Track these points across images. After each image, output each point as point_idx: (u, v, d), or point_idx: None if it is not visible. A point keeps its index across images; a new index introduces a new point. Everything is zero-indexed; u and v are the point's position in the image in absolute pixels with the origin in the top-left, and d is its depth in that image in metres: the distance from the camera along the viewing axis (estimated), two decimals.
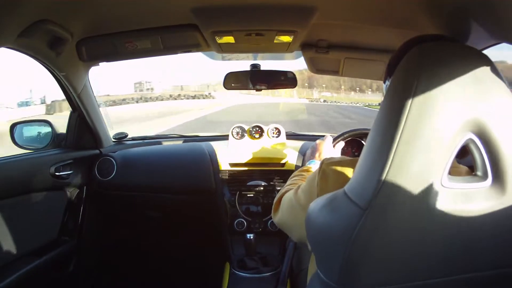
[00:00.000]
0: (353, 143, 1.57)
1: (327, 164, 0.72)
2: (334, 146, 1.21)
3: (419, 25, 0.99)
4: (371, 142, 0.53)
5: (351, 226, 0.51)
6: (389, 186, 0.48)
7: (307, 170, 1.02)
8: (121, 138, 1.96)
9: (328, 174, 0.71)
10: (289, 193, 0.85)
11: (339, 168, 0.70)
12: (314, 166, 1.05)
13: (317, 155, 1.14)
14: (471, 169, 0.61)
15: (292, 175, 1.02)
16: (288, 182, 0.98)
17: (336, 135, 1.50)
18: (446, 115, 0.47)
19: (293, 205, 0.81)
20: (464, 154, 0.54)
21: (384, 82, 0.75)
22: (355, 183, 0.54)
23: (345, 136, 1.47)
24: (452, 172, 0.51)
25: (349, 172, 0.69)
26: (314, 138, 1.98)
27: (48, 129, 1.61)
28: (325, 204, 0.58)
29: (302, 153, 1.77)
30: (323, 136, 1.27)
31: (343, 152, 1.52)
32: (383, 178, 0.48)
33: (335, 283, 0.54)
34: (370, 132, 0.55)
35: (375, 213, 0.50)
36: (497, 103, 0.48)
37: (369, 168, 0.51)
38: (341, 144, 1.28)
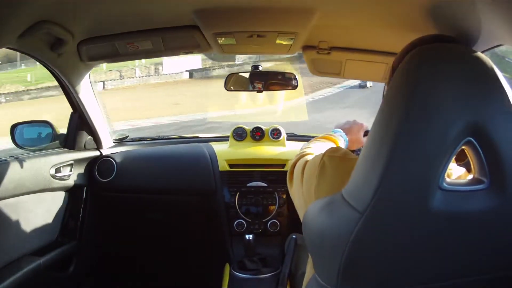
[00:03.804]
0: None
1: (328, 156, 0.71)
2: (364, 135, 1.20)
3: (420, 26, 0.99)
4: (370, 144, 0.53)
5: (349, 229, 0.51)
6: (387, 189, 0.48)
7: (329, 138, 1.01)
8: (121, 139, 1.96)
9: (327, 169, 0.70)
10: (301, 163, 0.83)
11: (338, 166, 0.69)
12: (337, 135, 1.05)
13: (346, 127, 1.13)
14: (468, 170, 0.61)
15: (313, 139, 1.01)
16: (307, 144, 0.98)
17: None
18: (445, 118, 0.47)
19: (298, 183, 0.80)
20: (463, 158, 0.54)
21: (388, 85, 0.75)
22: (353, 186, 0.54)
23: None
24: (451, 174, 0.51)
25: (348, 172, 0.68)
26: None
27: (49, 130, 1.62)
28: (323, 208, 0.58)
29: None
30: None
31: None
32: (381, 181, 0.48)
33: (332, 287, 0.54)
34: (369, 134, 0.55)
35: (373, 217, 0.50)
36: (496, 106, 0.48)
37: (367, 171, 0.51)
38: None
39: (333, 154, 0.72)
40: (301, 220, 0.80)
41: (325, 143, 0.99)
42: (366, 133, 1.21)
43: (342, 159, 0.71)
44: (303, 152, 0.92)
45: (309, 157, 0.82)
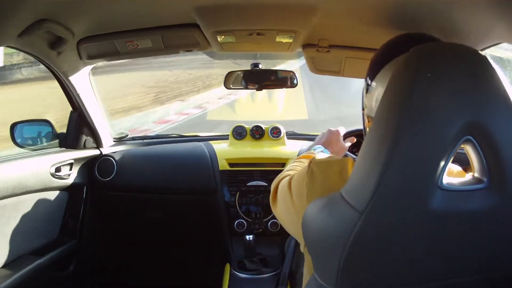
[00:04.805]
0: (355, 143, 1.57)
1: (315, 164, 0.71)
2: (344, 139, 1.19)
3: (420, 25, 0.99)
4: (369, 144, 0.53)
5: (348, 229, 0.50)
6: (387, 188, 0.48)
7: (310, 157, 1.00)
8: (121, 138, 1.97)
9: (316, 175, 0.70)
10: (283, 185, 0.83)
11: (327, 169, 0.70)
12: (318, 151, 1.04)
13: (324, 141, 1.12)
14: (464, 170, 0.61)
15: (294, 160, 1.00)
16: (288, 167, 0.97)
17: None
18: (445, 116, 0.47)
19: (287, 203, 0.80)
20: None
21: (366, 80, 0.73)
22: (352, 185, 0.54)
23: (358, 133, 1.45)
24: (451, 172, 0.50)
25: (337, 173, 0.68)
26: (314, 138, 1.99)
27: (48, 129, 1.62)
28: (322, 207, 0.58)
29: (302, 153, 1.76)
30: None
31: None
32: (380, 180, 0.48)
33: (332, 287, 0.54)
34: (368, 134, 0.54)
35: (372, 216, 0.49)
36: (496, 104, 0.48)
37: (366, 170, 0.51)
38: (352, 139, 1.26)
39: (318, 160, 0.72)
40: (292, 234, 0.80)
41: (304, 163, 0.97)
42: (345, 136, 1.21)
43: (328, 162, 0.71)
44: (285, 174, 0.91)
45: (292, 175, 0.82)
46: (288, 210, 0.79)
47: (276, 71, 1.72)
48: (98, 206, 1.79)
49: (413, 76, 0.49)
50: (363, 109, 0.77)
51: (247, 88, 1.72)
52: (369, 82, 0.72)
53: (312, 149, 1.08)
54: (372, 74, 0.71)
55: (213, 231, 1.85)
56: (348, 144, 1.21)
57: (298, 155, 1.74)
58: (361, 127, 1.45)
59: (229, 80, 1.71)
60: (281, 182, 0.86)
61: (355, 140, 1.28)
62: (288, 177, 0.82)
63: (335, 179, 0.66)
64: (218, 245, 1.81)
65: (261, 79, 1.70)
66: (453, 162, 0.60)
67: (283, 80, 1.71)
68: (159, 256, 2.00)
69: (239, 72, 1.71)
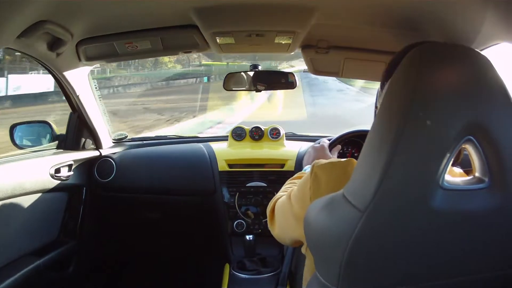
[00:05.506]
0: (353, 144, 1.57)
1: (318, 167, 0.72)
2: (330, 150, 1.20)
3: (419, 26, 0.99)
4: (370, 144, 0.53)
5: (350, 228, 0.51)
6: (388, 188, 0.48)
7: (301, 177, 1.01)
8: (120, 139, 1.96)
9: (320, 177, 0.71)
10: (282, 201, 0.84)
11: (330, 171, 0.71)
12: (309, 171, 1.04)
13: (311, 159, 1.13)
14: (466, 172, 0.61)
15: (286, 182, 1.01)
16: (282, 189, 0.97)
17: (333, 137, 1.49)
18: (446, 117, 0.47)
19: (286, 214, 0.81)
20: (455, 159, 0.54)
21: (382, 85, 0.74)
22: (353, 185, 0.54)
23: (342, 138, 1.46)
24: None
25: (340, 174, 0.69)
26: (313, 139, 1.98)
27: (48, 130, 1.62)
28: (324, 207, 0.58)
29: (302, 154, 1.77)
30: (323, 137, 1.26)
31: (343, 154, 1.51)
32: (381, 180, 0.48)
33: (334, 286, 0.54)
34: (369, 134, 0.55)
35: (373, 215, 0.50)
36: (496, 104, 0.48)
37: (367, 170, 0.51)
38: (338, 147, 1.27)
39: (321, 163, 0.73)
40: (296, 238, 0.81)
41: (296, 183, 0.98)
42: (330, 147, 1.21)
43: (331, 163, 0.72)
44: (280, 194, 0.92)
45: (291, 190, 0.82)
46: (287, 221, 0.80)
47: (275, 72, 1.72)
48: (98, 207, 1.79)
49: (415, 76, 0.49)
50: (376, 107, 0.80)
51: (247, 90, 1.72)
52: (383, 86, 0.73)
53: (303, 170, 1.08)
54: (386, 78, 0.72)
55: (212, 231, 1.85)
56: (335, 154, 1.21)
57: (297, 156, 1.75)
58: (342, 132, 1.50)
59: (229, 82, 1.71)
60: (278, 200, 0.87)
61: (340, 147, 1.29)
62: (285, 196, 0.83)
63: (339, 178, 0.67)
64: (218, 245, 1.82)
65: (260, 80, 1.70)
66: (455, 164, 0.61)
67: (283, 81, 1.71)
68: (158, 256, 2.00)
69: (239, 74, 1.71)
